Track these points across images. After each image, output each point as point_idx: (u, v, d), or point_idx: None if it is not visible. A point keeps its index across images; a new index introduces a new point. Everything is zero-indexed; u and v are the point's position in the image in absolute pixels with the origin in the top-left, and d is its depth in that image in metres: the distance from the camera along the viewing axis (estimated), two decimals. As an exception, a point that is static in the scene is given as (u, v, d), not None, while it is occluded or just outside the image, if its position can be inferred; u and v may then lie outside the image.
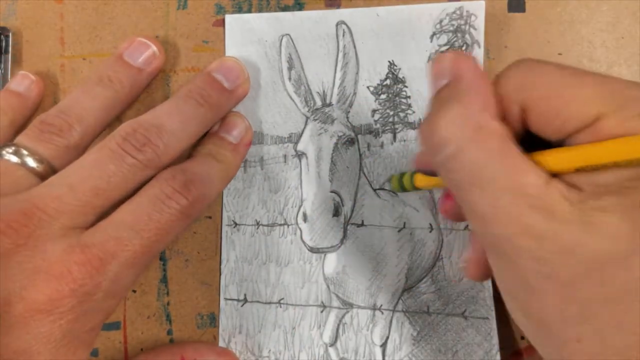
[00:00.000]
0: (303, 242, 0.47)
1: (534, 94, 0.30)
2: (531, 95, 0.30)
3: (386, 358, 0.46)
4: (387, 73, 0.47)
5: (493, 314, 0.45)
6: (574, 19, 0.47)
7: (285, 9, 0.48)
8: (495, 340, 0.45)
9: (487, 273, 0.37)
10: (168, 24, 0.50)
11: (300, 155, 0.48)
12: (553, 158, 0.29)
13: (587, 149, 0.28)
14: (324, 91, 0.48)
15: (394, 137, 0.47)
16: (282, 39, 0.48)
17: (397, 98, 0.47)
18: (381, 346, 0.46)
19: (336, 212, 0.46)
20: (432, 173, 0.39)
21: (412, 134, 0.47)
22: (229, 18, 0.49)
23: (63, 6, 0.51)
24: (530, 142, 0.31)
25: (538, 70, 0.30)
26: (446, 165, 0.30)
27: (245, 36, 0.48)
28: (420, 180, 0.41)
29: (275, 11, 0.48)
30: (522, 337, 0.46)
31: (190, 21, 0.49)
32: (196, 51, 0.50)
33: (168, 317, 0.48)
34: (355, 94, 0.47)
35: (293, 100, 0.48)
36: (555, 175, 0.29)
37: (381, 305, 0.46)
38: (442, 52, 0.34)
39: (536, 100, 0.30)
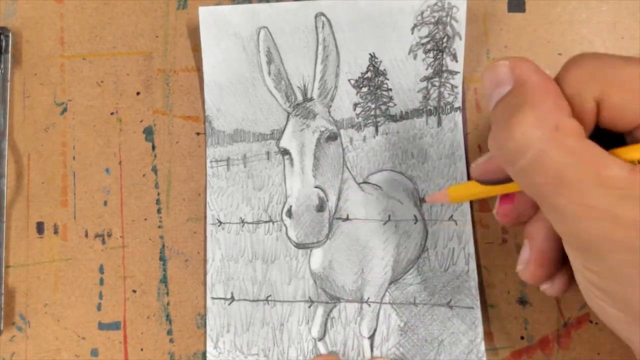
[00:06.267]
0: (288, 238, 0.47)
1: (606, 88, 0.29)
2: (604, 89, 0.30)
3: (374, 350, 0.46)
4: (368, 66, 0.47)
5: (478, 303, 0.45)
6: (574, 19, 0.47)
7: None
8: (480, 329, 0.45)
9: (548, 274, 0.37)
10: (168, 24, 0.50)
11: (283, 151, 0.48)
12: (633, 152, 0.29)
13: None
14: (304, 85, 0.47)
15: (376, 131, 0.47)
16: (259, 32, 0.47)
17: (378, 91, 0.47)
18: (369, 338, 0.46)
19: (321, 208, 0.46)
20: (490, 182, 0.37)
21: (394, 126, 0.47)
22: (203, 11, 0.48)
23: (63, 6, 0.51)
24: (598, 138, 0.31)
25: (605, 63, 0.30)
26: (527, 171, 0.30)
27: (222, 29, 0.48)
28: (456, 195, 0.40)
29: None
30: (522, 337, 0.46)
31: (190, 21, 0.49)
32: (196, 51, 0.49)
33: (168, 317, 0.49)
34: (336, 87, 0.47)
35: (274, 96, 0.48)
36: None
37: (368, 298, 0.47)
38: (492, 61, 0.32)
39: (609, 93, 0.29)
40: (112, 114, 0.50)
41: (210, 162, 0.48)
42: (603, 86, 0.30)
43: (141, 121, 0.50)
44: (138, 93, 0.50)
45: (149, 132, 0.50)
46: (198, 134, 0.49)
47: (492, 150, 0.33)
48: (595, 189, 0.28)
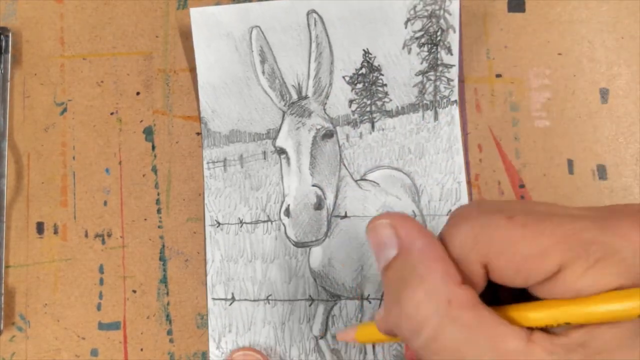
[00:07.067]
0: (287, 237, 0.47)
1: (491, 253, 0.28)
2: (488, 254, 0.28)
3: (376, 346, 0.46)
4: (362, 61, 0.47)
5: (478, 297, 0.45)
6: (574, 19, 0.47)
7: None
8: (481, 323, 0.45)
9: None
10: (168, 24, 0.49)
11: (279, 150, 0.47)
12: (530, 315, 0.28)
13: (565, 307, 0.27)
14: (299, 84, 0.47)
15: (373, 127, 0.47)
16: (252, 32, 0.47)
17: (373, 87, 0.47)
18: (370, 335, 0.47)
19: (319, 206, 0.46)
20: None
21: (390, 122, 0.47)
22: (195, 12, 0.47)
23: (63, 6, 0.50)
24: (494, 287, 0.30)
25: (488, 226, 0.29)
26: (426, 348, 0.29)
27: (213, 30, 0.47)
28: (363, 335, 0.38)
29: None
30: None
31: (190, 21, 0.48)
32: (196, 51, 0.49)
33: (168, 317, 0.49)
34: (331, 84, 0.47)
35: (268, 95, 0.47)
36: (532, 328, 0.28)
37: (368, 295, 0.47)
38: (375, 216, 0.32)
39: (494, 258, 0.28)
40: (112, 114, 0.50)
41: (207, 163, 0.48)
42: (486, 252, 0.28)
43: (141, 121, 0.50)
44: (138, 93, 0.50)
45: (149, 132, 0.50)
46: (198, 134, 0.49)
47: (389, 324, 0.32)
48: None
